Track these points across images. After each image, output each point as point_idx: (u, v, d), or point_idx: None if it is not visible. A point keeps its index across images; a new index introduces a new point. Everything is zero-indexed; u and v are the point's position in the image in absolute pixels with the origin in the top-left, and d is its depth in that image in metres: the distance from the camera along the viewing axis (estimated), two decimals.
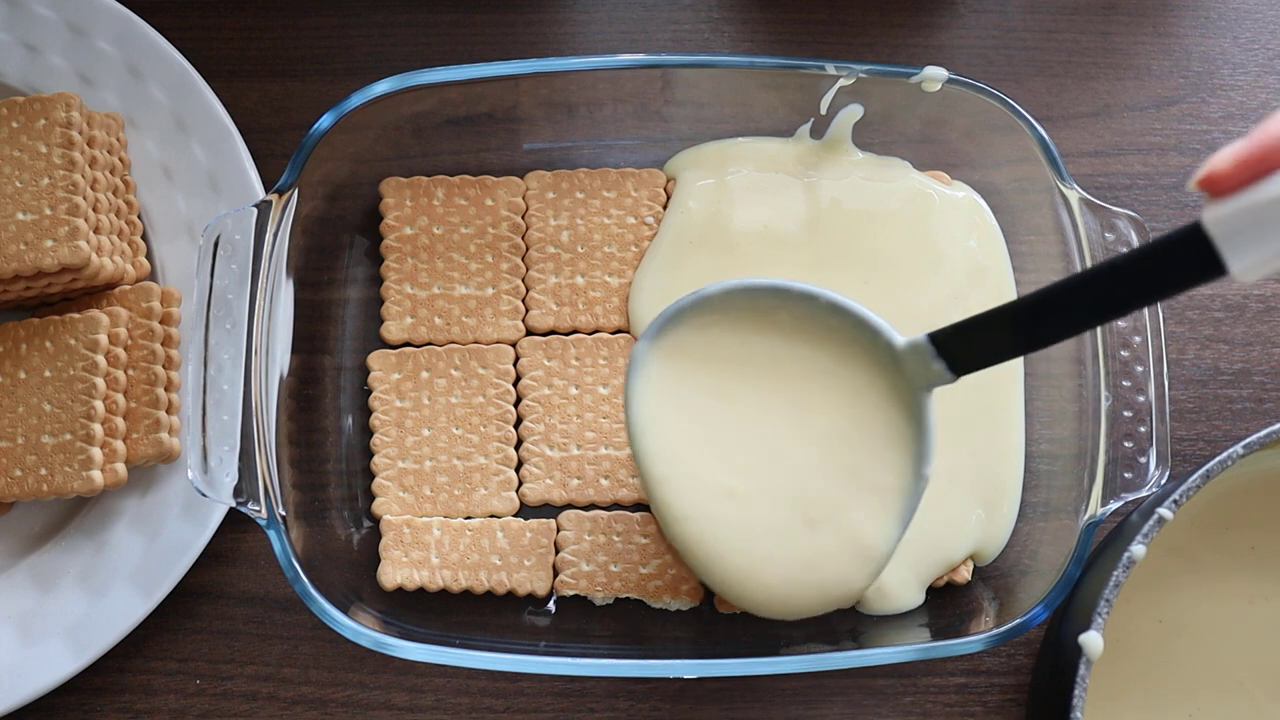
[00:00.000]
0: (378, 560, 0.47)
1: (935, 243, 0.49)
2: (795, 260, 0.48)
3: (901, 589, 0.46)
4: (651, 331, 0.38)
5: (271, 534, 0.42)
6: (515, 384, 0.49)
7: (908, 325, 0.48)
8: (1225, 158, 0.27)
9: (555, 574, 0.47)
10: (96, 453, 0.45)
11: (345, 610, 0.42)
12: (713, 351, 0.39)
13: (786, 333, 0.38)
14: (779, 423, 0.38)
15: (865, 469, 0.37)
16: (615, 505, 0.48)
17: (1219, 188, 0.27)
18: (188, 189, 0.51)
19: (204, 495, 0.42)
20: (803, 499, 0.37)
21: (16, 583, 0.48)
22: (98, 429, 0.46)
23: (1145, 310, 0.44)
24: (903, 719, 0.49)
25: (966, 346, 0.34)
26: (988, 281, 0.49)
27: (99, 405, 0.46)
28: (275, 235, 0.44)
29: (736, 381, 0.38)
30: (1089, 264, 0.45)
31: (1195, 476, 0.41)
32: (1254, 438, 0.42)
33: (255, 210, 0.44)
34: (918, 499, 0.38)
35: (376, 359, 0.49)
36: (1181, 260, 0.28)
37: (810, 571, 0.37)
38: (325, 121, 0.45)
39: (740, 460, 0.38)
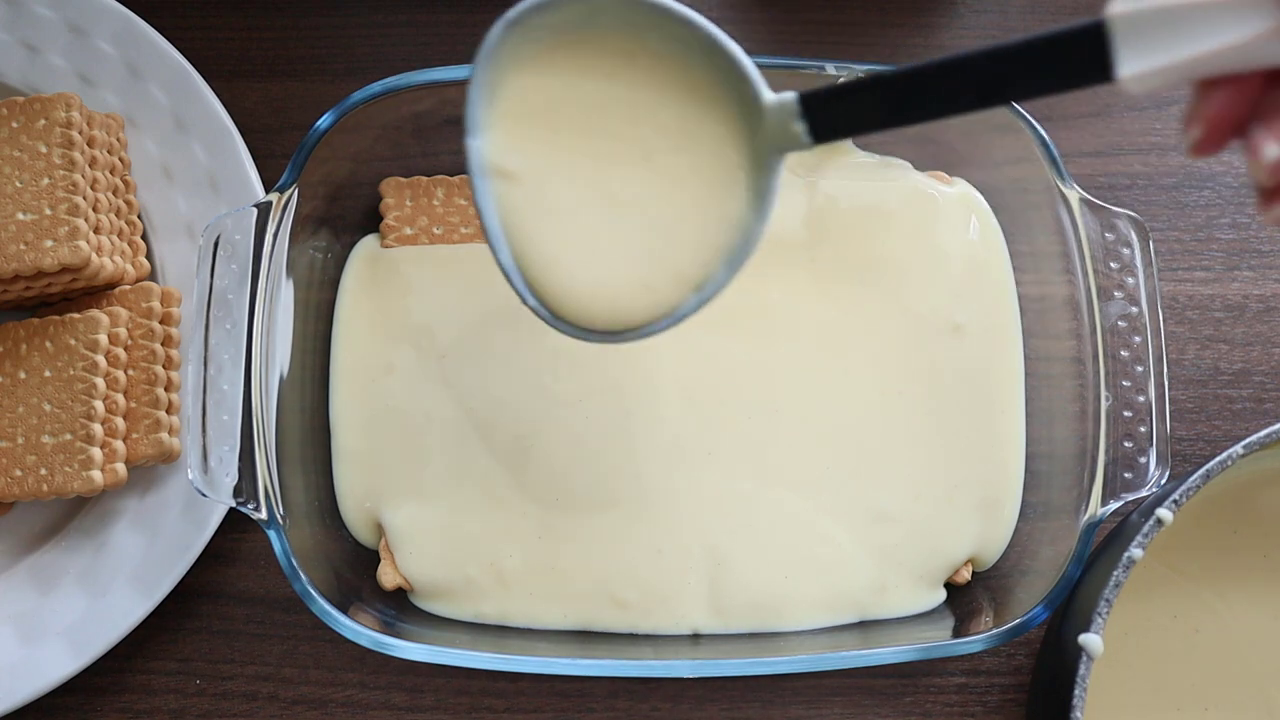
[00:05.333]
0: (378, 560, 0.47)
1: (935, 243, 0.49)
2: (794, 260, 0.48)
3: (905, 592, 0.46)
4: (485, 72, 0.35)
5: (271, 534, 0.42)
6: None
7: (908, 325, 0.48)
8: None
9: None
10: (96, 453, 0.45)
11: (345, 610, 0.42)
12: (558, 99, 0.36)
13: (644, 77, 0.36)
14: (623, 171, 0.36)
15: (702, 215, 0.36)
16: None
17: None
18: (188, 189, 0.51)
19: (204, 495, 0.42)
20: (633, 226, 0.36)
21: (16, 583, 0.48)
22: (98, 429, 0.46)
23: (1145, 310, 0.44)
24: (903, 719, 0.49)
25: (833, 112, 0.33)
26: (987, 280, 0.49)
27: (99, 405, 0.46)
28: (275, 235, 0.44)
29: (583, 131, 0.36)
30: (1089, 264, 0.45)
31: (1195, 476, 0.41)
32: (1254, 438, 0.42)
33: (255, 210, 0.44)
34: (748, 253, 0.36)
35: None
36: (1070, 53, 0.26)
37: (637, 285, 0.37)
38: (325, 121, 0.45)
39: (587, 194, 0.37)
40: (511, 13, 0.34)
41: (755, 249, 0.36)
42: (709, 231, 0.36)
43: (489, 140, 0.35)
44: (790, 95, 0.33)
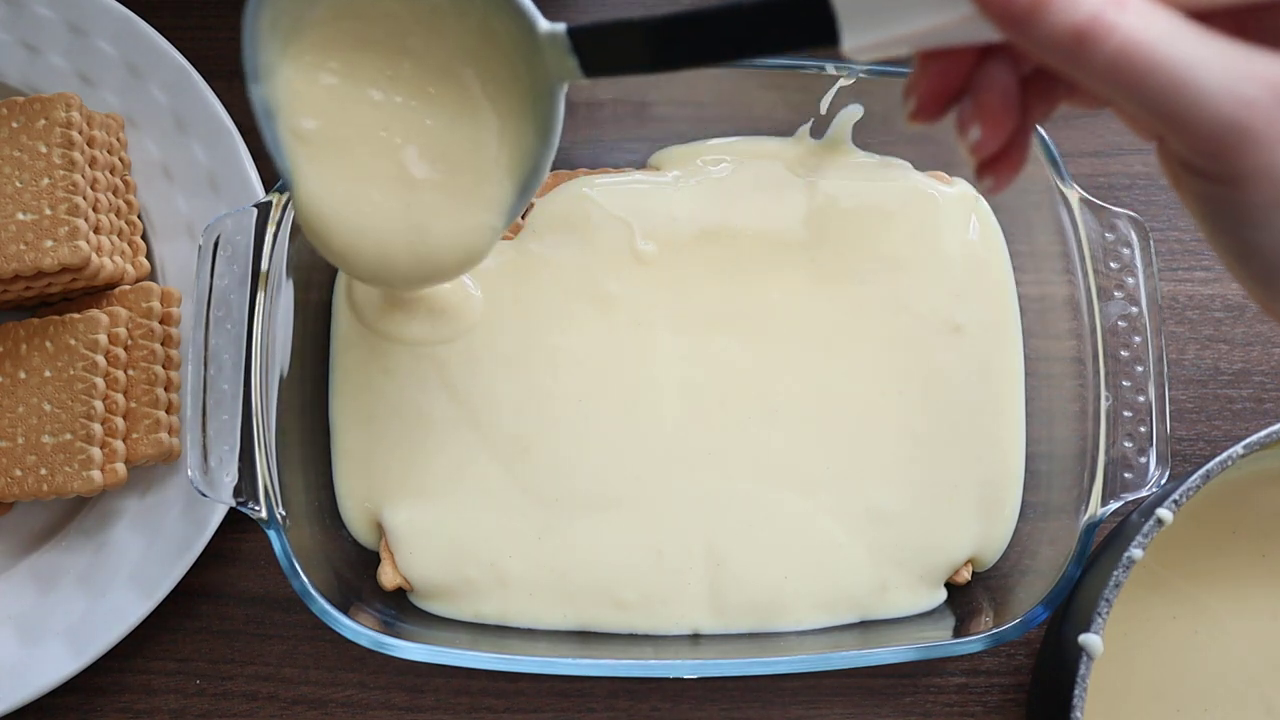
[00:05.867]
0: (378, 560, 0.47)
1: (935, 243, 0.49)
2: (794, 260, 0.48)
3: (905, 592, 0.46)
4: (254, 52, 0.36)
5: (271, 534, 0.42)
6: None
7: (908, 325, 0.48)
8: None
9: None
10: (96, 453, 0.45)
11: (345, 610, 0.42)
12: (345, 39, 0.37)
13: (423, 23, 0.37)
14: (410, 110, 0.38)
15: (489, 146, 0.38)
16: None
17: None
18: (188, 189, 0.51)
19: (204, 495, 0.42)
20: (416, 165, 0.38)
21: (16, 583, 0.48)
22: (98, 429, 0.46)
23: (1145, 310, 0.44)
24: (903, 719, 0.49)
25: (600, 50, 0.34)
26: (987, 280, 0.49)
27: (99, 405, 0.46)
28: (275, 235, 0.44)
29: (367, 77, 0.38)
30: (1089, 264, 0.45)
31: (1195, 476, 0.41)
32: (1254, 438, 0.42)
33: (255, 210, 0.44)
34: (537, 182, 0.38)
35: None
36: (800, 20, 0.28)
37: (416, 232, 0.39)
38: None
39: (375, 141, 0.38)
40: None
41: (544, 176, 0.38)
42: (500, 164, 0.38)
43: (277, 88, 0.37)
44: (560, 28, 0.35)
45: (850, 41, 0.27)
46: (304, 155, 0.37)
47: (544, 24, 0.35)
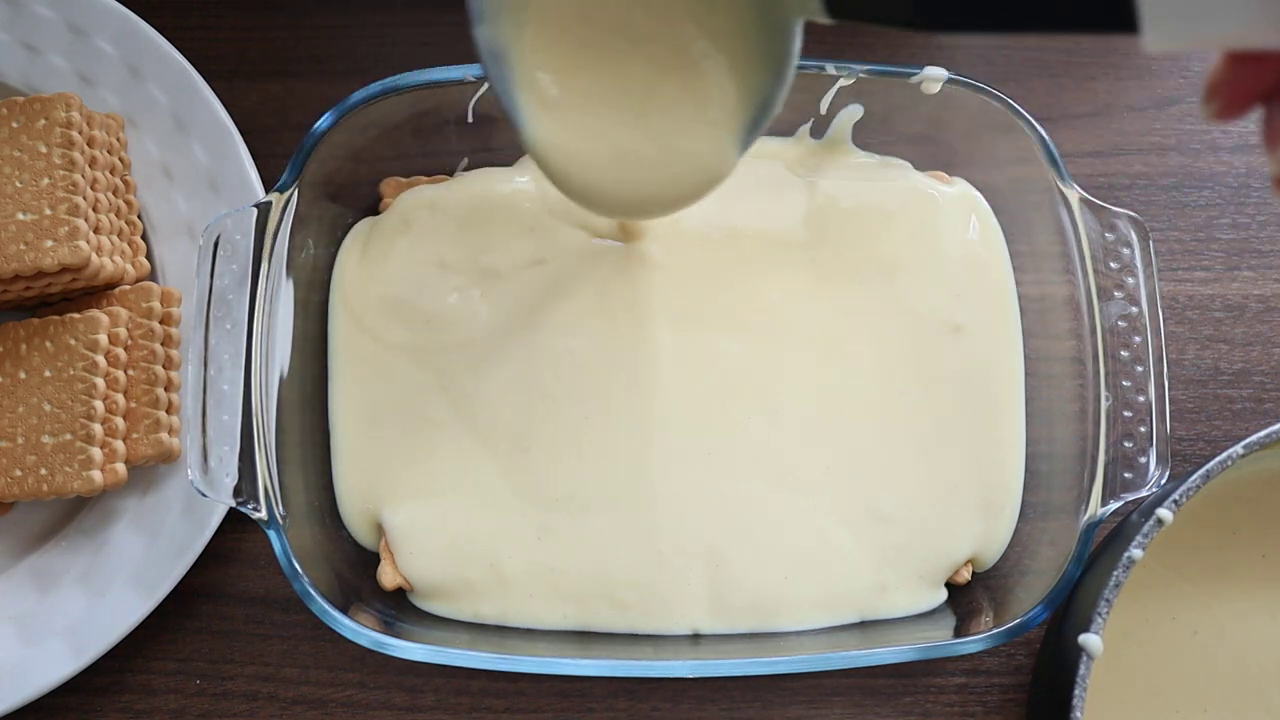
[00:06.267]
0: (377, 560, 0.47)
1: (936, 242, 0.49)
2: (794, 260, 0.48)
3: (905, 592, 0.46)
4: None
5: (271, 534, 0.42)
6: None
7: (908, 325, 0.48)
8: None
9: None
10: (96, 453, 0.45)
11: (345, 610, 0.42)
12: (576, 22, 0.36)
13: None
14: (642, 49, 0.37)
15: (721, 81, 0.37)
16: None
17: None
18: (188, 189, 0.51)
19: (204, 495, 0.42)
20: (648, 103, 0.37)
21: (16, 583, 0.48)
22: (98, 429, 0.46)
23: (1145, 310, 0.44)
24: (903, 719, 0.49)
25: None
26: (987, 280, 0.49)
27: (99, 405, 0.46)
28: (275, 235, 0.44)
29: (600, 21, 0.36)
30: (1089, 264, 0.45)
31: (1195, 476, 0.41)
32: (1254, 438, 0.42)
33: (255, 210, 0.44)
34: (768, 115, 0.37)
35: None
36: (1095, 3, 0.25)
37: (668, 155, 0.38)
38: (325, 121, 0.45)
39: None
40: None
41: (777, 109, 0.36)
42: (731, 98, 0.36)
43: (503, 31, 0.36)
44: None
45: (1153, 39, 0.23)
46: (538, 103, 0.37)
47: None
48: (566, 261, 0.49)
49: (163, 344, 0.48)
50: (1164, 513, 0.41)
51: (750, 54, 0.36)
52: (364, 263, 0.49)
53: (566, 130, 0.37)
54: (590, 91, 0.37)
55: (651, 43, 0.36)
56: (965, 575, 0.47)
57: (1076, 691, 0.40)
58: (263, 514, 0.42)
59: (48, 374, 0.46)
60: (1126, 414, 0.44)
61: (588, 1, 0.36)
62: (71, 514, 0.49)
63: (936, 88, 0.46)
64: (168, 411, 0.48)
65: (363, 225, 0.50)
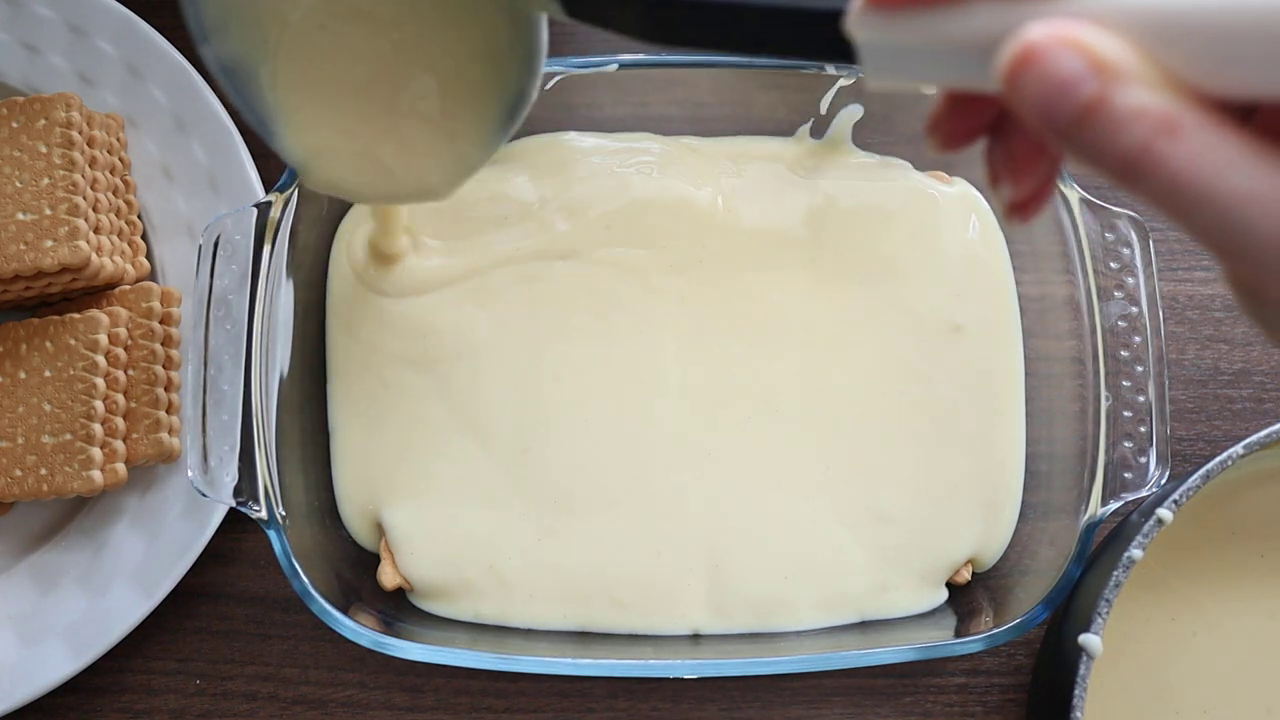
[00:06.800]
0: (377, 560, 0.47)
1: (935, 242, 0.49)
2: (794, 260, 0.48)
3: (905, 592, 0.46)
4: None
5: (271, 534, 0.42)
6: None
7: (908, 325, 0.48)
8: None
9: None
10: (96, 453, 0.45)
11: (345, 610, 0.42)
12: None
13: None
14: (390, 48, 0.36)
15: (468, 78, 0.36)
16: None
17: (882, 1, 0.23)
18: (188, 189, 0.51)
19: (204, 495, 0.42)
20: (398, 98, 0.36)
21: (16, 583, 0.48)
22: (98, 429, 0.46)
23: (1145, 310, 0.44)
24: (903, 719, 0.49)
25: (584, 2, 0.31)
26: (988, 280, 0.49)
27: (99, 405, 0.46)
28: (275, 235, 0.44)
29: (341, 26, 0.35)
30: (1089, 264, 0.45)
31: (1195, 476, 0.41)
32: (1254, 438, 0.42)
33: (255, 210, 0.44)
34: (521, 112, 0.36)
35: None
36: (822, 43, 0.25)
37: (401, 163, 0.37)
38: None
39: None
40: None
41: (528, 105, 0.36)
42: (484, 93, 0.36)
43: (233, 43, 0.34)
44: None
45: (873, 79, 0.25)
46: (296, 115, 0.36)
47: None
48: (564, 262, 0.49)
49: (163, 344, 0.48)
50: (1164, 513, 0.41)
51: (499, 46, 0.35)
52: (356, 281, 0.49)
53: (322, 135, 0.37)
54: (346, 100, 0.36)
55: (399, 35, 0.35)
56: (965, 575, 0.47)
57: (1076, 691, 0.40)
58: (263, 514, 0.42)
59: (48, 374, 0.46)
60: (1126, 414, 0.44)
61: (337, 13, 0.35)
62: (71, 514, 0.49)
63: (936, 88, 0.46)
64: (168, 411, 0.48)
65: (349, 220, 0.49)
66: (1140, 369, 0.44)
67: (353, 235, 0.48)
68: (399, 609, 0.46)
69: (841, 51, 0.24)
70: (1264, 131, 0.21)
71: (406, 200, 0.40)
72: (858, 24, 0.24)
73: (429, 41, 0.35)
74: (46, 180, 0.46)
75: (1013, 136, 0.25)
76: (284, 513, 0.43)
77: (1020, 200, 0.26)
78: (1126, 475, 0.43)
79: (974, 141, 0.27)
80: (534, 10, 0.33)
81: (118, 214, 0.49)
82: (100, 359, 0.46)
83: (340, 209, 0.49)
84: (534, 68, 0.35)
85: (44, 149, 0.47)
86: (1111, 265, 0.45)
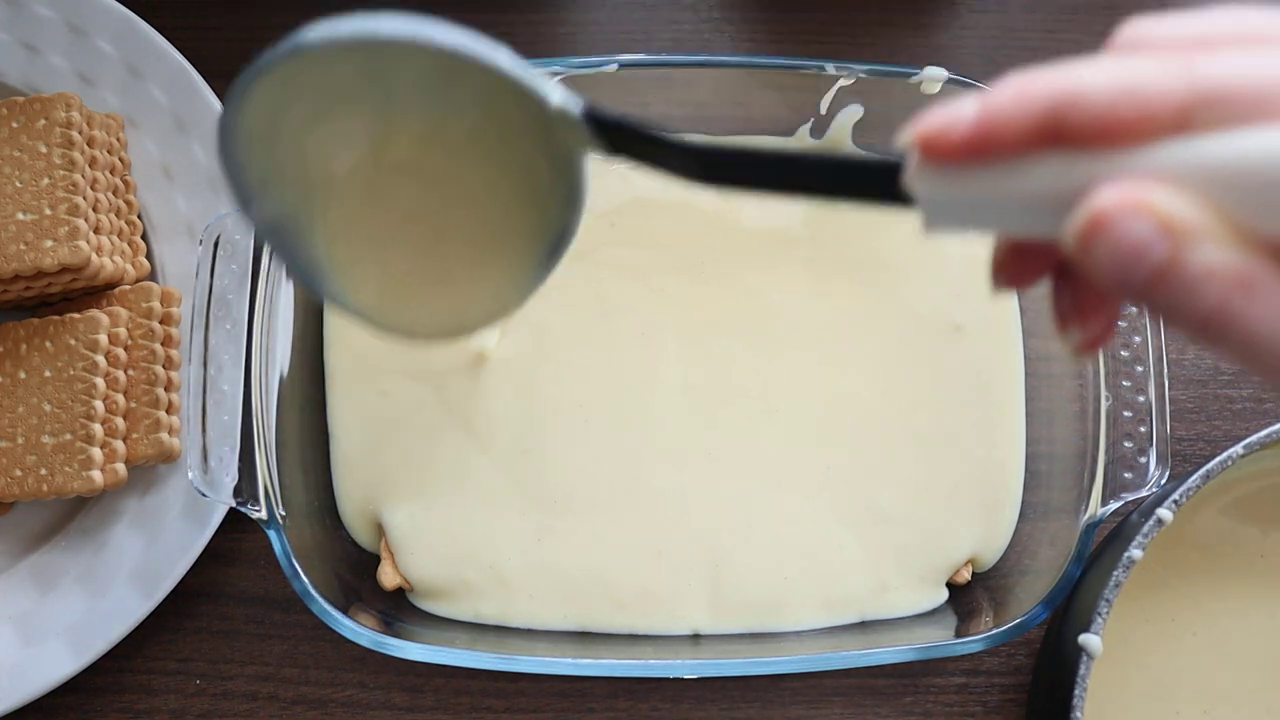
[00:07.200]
0: (377, 560, 0.47)
1: (935, 243, 0.49)
2: (794, 260, 0.48)
3: (905, 592, 0.46)
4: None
5: (271, 534, 0.42)
6: None
7: (908, 325, 0.48)
8: (960, 122, 0.22)
9: None
10: (96, 453, 0.45)
11: (345, 610, 0.42)
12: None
13: (416, 110, 0.32)
14: (419, 193, 0.34)
15: (513, 220, 0.34)
16: None
17: (941, 158, 0.22)
18: (188, 189, 0.51)
19: (204, 495, 0.42)
20: (446, 246, 0.34)
21: (16, 583, 0.48)
22: (98, 429, 0.46)
23: (1145, 310, 0.44)
24: (903, 719, 0.49)
25: (629, 144, 0.30)
26: (988, 280, 0.49)
27: (99, 405, 0.46)
28: None
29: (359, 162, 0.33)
30: None
31: (1195, 477, 0.41)
32: (1254, 438, 0.42)
33: None
34: (565, 244, 0.34)
35: None
36: (880, 194, 0.25)
37: (449, 305, 0.36)
38: None
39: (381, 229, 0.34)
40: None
41: (572, 237, 0.34)
42: (525, 230, 0.34)
43: (280, 201, 0.33)
44: (575, 113, 0.30)
45: (934, 231, 0.24)
46: (330, 262, 0.34)
47: (555, 97, 0.30)
48: (567, 261, 0.49)
49: (163, 344, 0.48)
50: (1164, 513, 0.41)
51: (541, 186, 0.33)
52: None
53: (372, 288, 0.35)
54: (395, 252, 0.35)
55: (446, 186, 0.34)
56: (965, 575, 0.47)
57: (1076, 691, 0.40)
58: (263, 514, 0.42)
59: (48, 374, 0.46)
60: (1126, 414, 0.44)
61: (384, 168, 0.33)
62: (71, 514, 0.49)
63: (937, 88, 0.46)
64: (168, 411, 0.48)
65: None
66: (1140, 369, 0.44)
67: None
68: (399, 609, 0.46)
69: (900, 200, 0.24)
70: None
71: (453, 339, 0.39)
72: (916, 178, 0.23)
73: (475, 189, 0.34)
74: (46, 180, 0.46)
75: (1079, 281, 0.25)
76: (284, 513, 0.43)
77: (1090, 340, 0.25)
78: (1126, 475, 0.43)
79: (1038, 282, 0.26)
80: (575, 152, 0.31)
81: (118, 214, 0.49)
82: (100, 359, 0.46)
83: None
84: (577, 204, 0.33)
85: (44, 149, 0.47)
86: None
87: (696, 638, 0.46)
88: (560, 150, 0.31)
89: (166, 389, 0.48)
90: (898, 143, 0.23)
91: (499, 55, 0.29)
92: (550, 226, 0.34)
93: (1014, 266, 0.26)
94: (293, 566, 0.42)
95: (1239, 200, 0.20)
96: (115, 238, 0.49)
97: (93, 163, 0.48)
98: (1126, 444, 0.43)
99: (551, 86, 0.30)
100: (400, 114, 0.31)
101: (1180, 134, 0.20)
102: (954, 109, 0.22)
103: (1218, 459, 0.41)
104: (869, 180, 0.25)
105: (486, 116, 0.31)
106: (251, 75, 0.29)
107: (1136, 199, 0.20)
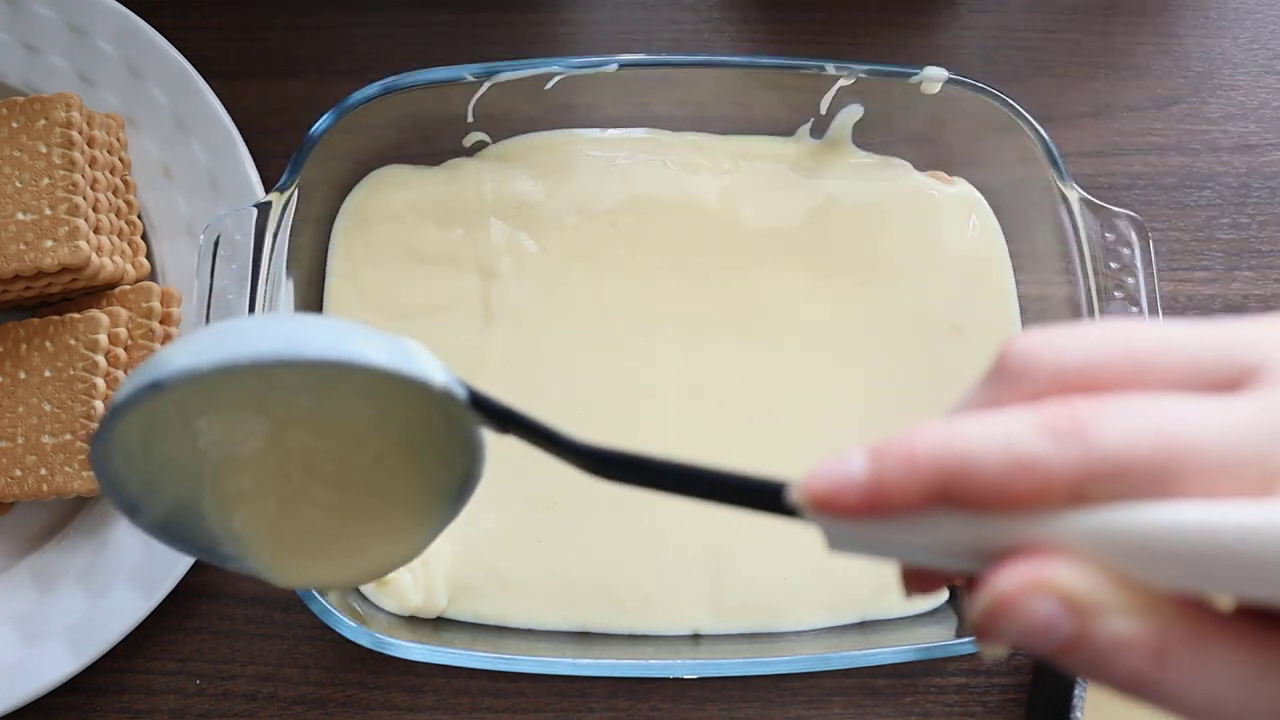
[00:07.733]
0: None
1: (935, 243, 0.49)
2: (794, 259, 0.48)
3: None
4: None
5: None
6: None
7: (908, 325, 0.48)
8: (850, 486, 0.22)
9: None
10: None
11: (345, 610, 0.42)
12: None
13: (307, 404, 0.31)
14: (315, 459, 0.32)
15: (413, 477, 0.33)
16: None
17: (835, 516, 0.23)
18: (188, 189, 0.51)
19: None
20: (347, 506, 0.33)
21: (16, 583, 0.48)
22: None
23: (1145, 310, 0.44)
24: (903, 719, 0.49)
25: (518, 430, 0.30)
26: (987, 280, 0.49)
27: (99, 405, 0.46)
28: (275, 235, 0.44)
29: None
30: (1089, 264, 0.45)
31: None
32: None
33: (255, 210, 0.44)
34: (472, 488, 0.33)
35: None
36: (778, 509, 0.25)
37: (358, 557, 0.34)
38: (325, 121, 0.45)
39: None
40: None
41: (479, 480, 0.32)
42: (435, 485, 0.33)
43: (165, 504, 0.31)
44: (461, 397, 0.29)
45: (834, 549, 0.24)
46: (227, 535, 0.33)
47: (438, 380, 0.28)
48: (559, 261, 0.49)
49: (163, 344, 0.48)
50: None
51: (440, 442, 0.32)
52: (348, 278, 0.49)
53: (277, 552, 0.33)
54: (296, 517, 0.33)
55: (339, 455, 0.32)
56: None
57: (1076, 691, 0.40)
58: None
59: (48, 374, 0.46)
60: None
61: (278, 450, 0.31)
62: (71, 514, 0.49)
63: (936, 88, 0.47)
64: None
65: (342, 220, 0.49)
66: None
67: None
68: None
69: (797, 516, 0.24)
70: (1253, 615, 0.20)
71: (364, 583, 0.38)
72: (828, 529, 0.23)
73: (374, 455, 0.32)
74: (46, 180, 0.46)
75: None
76: None
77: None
78: None
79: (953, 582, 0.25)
80: (468, 420, 0.30)
81: (118, 214, 0.49)
82: (100, 359, 0.46)
83: (339, 209, 0.49)
84: (478, 455, 0.32)
85: (44, 149, 0.47)
86: (1111, 265, 0.45)
87: (696, 638, 0.46)
88: (455, 417, 0.30)
89: None
90: (786, 491, 0.23)
91: (371, 352, 0.27)
92: (454, 474, 0.32)
93: (921, 580, 0.26)
94: None
95: (1141, 567, 0.19)
96: (115, 238, 0.49)
97: (93, 163, 0.48)
98: None
99: (434, 369, 0.28)
100: (286, 412, 0.30)
101: (1076, 505, 0.20)
102: (843, 468, 0.22)
103: None
104: (767, 500, 0.24)
105: (374, 402, 0.31)
106: (112, 415, 0.27)
107: (1036, 578, 0.20)
